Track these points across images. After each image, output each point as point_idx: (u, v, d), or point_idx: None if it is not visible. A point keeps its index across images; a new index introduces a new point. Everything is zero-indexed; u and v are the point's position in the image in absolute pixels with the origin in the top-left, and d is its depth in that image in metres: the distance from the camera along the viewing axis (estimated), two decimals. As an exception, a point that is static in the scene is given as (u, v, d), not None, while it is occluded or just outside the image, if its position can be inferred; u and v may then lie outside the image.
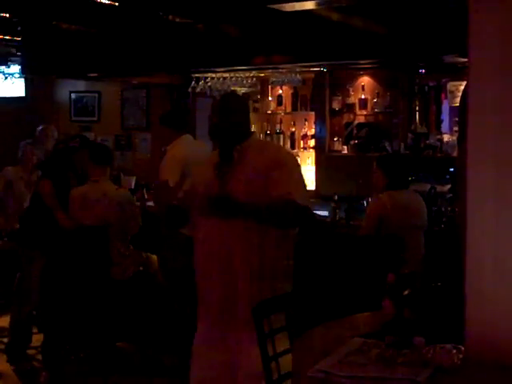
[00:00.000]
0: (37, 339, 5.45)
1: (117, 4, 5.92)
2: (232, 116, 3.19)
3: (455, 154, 6.10)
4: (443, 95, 6.87)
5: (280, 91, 7.88)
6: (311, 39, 6.10)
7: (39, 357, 5.40)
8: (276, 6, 5.06)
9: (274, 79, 7.41)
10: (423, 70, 6.82)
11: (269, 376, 2.74)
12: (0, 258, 6.22)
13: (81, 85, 9.33)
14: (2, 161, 7.45)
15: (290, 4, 4.98)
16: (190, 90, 7.52)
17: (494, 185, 2.45)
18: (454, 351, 2.45)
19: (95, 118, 9.36)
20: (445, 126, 6.89)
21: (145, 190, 6.75)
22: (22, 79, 9.73)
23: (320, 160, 7.57)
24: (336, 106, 7.44)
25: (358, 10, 5.57)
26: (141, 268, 5.40)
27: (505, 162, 2.43)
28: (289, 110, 7.87)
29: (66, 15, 6.65)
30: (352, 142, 7.28)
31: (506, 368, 2.39)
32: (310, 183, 7.69)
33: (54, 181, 5.26)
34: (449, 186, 6.05)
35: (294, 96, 7.78)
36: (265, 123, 7.99)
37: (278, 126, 7.88)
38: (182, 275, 3.41)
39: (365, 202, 5.86)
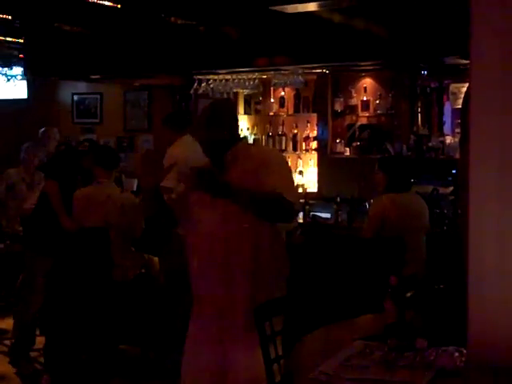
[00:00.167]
0: (39, 341, 5.45)
1: (119, 6, 5.93)
2: (219, 126, 3.20)
3: (457, 155, 6.09)
4: (445, 97, 6.86)
5: (282, 93, 7.88)
6: (313, 41, 6.10)
7: (41, 359, 5.39)
8: (278, 8, 5.06)
9: (276, 81, 7.40)
10: (425, 72, 6.82)
11: (271, 378, 2.74)
12: (3, 260, 6.23)
13: (83, 87, 9.34)
14: (3, 162, 7.46)
15: (293, 6, 4.99)
16: (192, 91, 7.52)
17: (496, 186, 2.44)
18: (457, 354, 2.44)
19: (97, 120, 9.37)
20: (447, 127, 6.89)
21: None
22: (25, 81, 9.76)
23: (322, 162, 7.57)
24: (338, 107, 7.43)
25: (360, 11, 5.58)
26: (143, 270, 5.41)
27: (507, 164, 2.42)
28: (291, 111, 7.87)
29: (69, 17, 6.67)
30: (354, 144, 7.27)
31: (509, 371, 2.38)
32: (312, 185, 7.69)
33: (60, 183, 5.26)
34: (451, 188, 6.04)
35: (296, 98, 7.78)
36: (267, 125, 7.99)
37: (280, 128, 7.89)
38: (184, 277, 3.41)
39: (367, 204, 5.86)
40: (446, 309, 2.79)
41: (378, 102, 7.20)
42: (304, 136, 7.76)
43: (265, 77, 7.43)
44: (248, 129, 8.15)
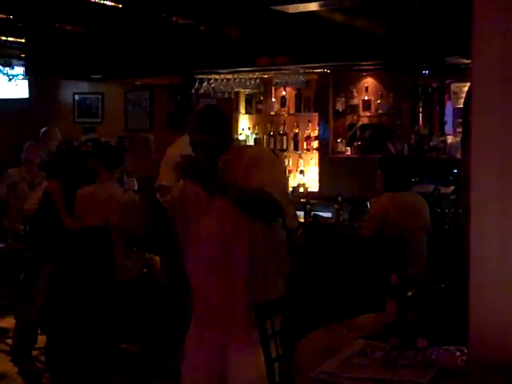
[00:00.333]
0: (40, 340, 5.45)
1: (120, 6, 5.93)
2: (211, 131, 3.20)
3: (459, 155, 6.09)
4: (447, 96, 6.86)
5: (283, 92, 7.87)
6: (315, 40, 6.10)
7: (42, 358, 5.40)
8: (280, 8, 5.06)
9: (277, 80, 7.39)
10: (427, 72, 6.82)
11: (271, 378, 2.74)
12: (4, 259, 6.24)
13: (84, 86, 9.35)
14: (5, 162, 7.47)
15: (294, 5, 4.99)
16: (193, 91, 7.52)
17: (497, 186, 2.44)
18: (458, 353, 2.44)
19: (99, 120, 9.38)
20: (448, 127, 6.88)
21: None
22: (26, 81, 9.77)
23: (323, 161, 7.57)
24: (339, 107, 7.43)
25: (362, 11, 5.57)
26: (144, 270, 5.41)
27: (508, 164, 2.42)
28: (292, 111, 7.87)
29: (70, 17, 6.67)
30: (355, 144, 7.27)
31: (510, 370, 2.38)
32: (314, 185, 7.70)
33: (62, 182, 5.26)
34: (452, 188, 6.04)
35: (298, 97, 7.78)
36: (268, 124, 7.99)
37: (281, 128, 7.88)
38: (185, 276, 3.41)
39: (368, 204, 5.86)
40: (447, 308, 2.79)
41: (379, 101, 7.20)
42: (305, 135, 7.76)
43: (266, 76, 7.43)
44: (249, 128, 8.15)
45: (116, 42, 7.27)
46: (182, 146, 5.14)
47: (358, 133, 7.29)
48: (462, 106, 6.08)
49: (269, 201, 3.03)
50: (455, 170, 6.23)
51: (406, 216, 4.89)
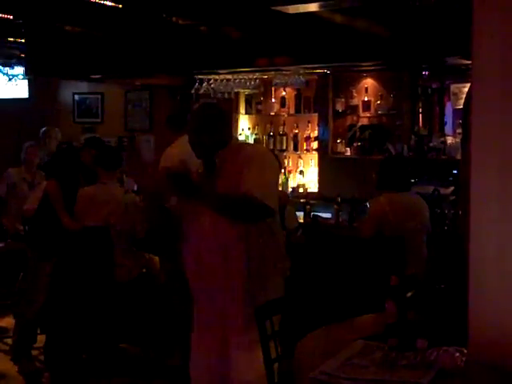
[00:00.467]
0: (39, 340, 5.45)
1: (120, 6, 5.93)
2: (209, 130, 3.21)
3: (458, 156, 6.09)
4: (446, 97, 6.86)
5: (283, 93, 7.88)
6: (315, 41, 6.10)
7: (42, 358, 5.40)
8: (280, 8, 5.06)
9: (277, 81, 7.40)
10: (426, 72, 6.82)
11: (271, 378, 2.74)
12: (3, 258, 6.24)
13: (84, 86, 9.35)
14: (5, 162, 7.47)
15: (294, 6, 4.98)
16: (193, 91, 7.52)
17: (497, 187, 2.44)
18: (457, 354, 2.44)
19: (98, 120, 9.38)
20: (448, 128, 6.88)
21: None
22: (26, 81, 9.77)
23: (323, 162, 7.57)
24: (339, 107, 7.43)
25: (362, 12, 5.57)
26: (144, 270, 5.41)
27: (508, 164, 2.42)
28: (292, 111, 7.87)
29: (70, 17, 6.67)
30: (355, 144, 7.27)
31: (509, 371, 2.39)
32: (313, 185, 7.70)
33: (61, 182, 5.26)
34: (452, 189, 6.04)
35: (297, 98, 7.78)
36: (268, 125, 7.99)
37: (281, 128, 7.89)
38: (184, 277, 3.42)
39: (368, 204, 5.86)
40: (446, 309, 2.79)
41: (379, 102, 7.20)
42: (305, 136, 7.76)
43: (266, 77, 7.43)
44: (249, 129, 8.16)
45: (116, 43, 7.26)
46: (181, 146, 5.14)
47: (358, 133, 7.29)
48: (461, 106, 6.08)
49: (249, 205, 3.03)
50: (455, 171, 6.23)
51: (404, 216, 4.89)
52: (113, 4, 5.87)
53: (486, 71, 2.45)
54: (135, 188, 7.51)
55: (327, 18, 5.63)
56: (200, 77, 7.36)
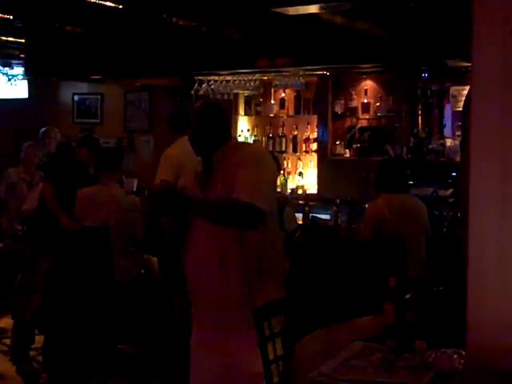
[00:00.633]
0: (37, 340, 5.45)
1: (120, 6, 5.93)
2: (209, 126, 3.21)
3: (458, 158, 6.10)
4: (446, 99, 6.87)
5: (283, 94, 7.88)
6: (314, 43, 6.10)
7: (40, 358, 5.40)
8: (280, 10, 5.06)
9: (277, 82, 7.40)
10: (426, 74, 6.82)
11: (269, 379, 2.74)
12: (2, 259, 6.23)
13: (83, 87, 9.35)
14: (4, 162, 7.47)
15: (294, 7, 4.98)
16: (192, 92, 7.52)
17: (497, 189, 2.44)
18: (455, 356, 2.44)
19: (98, 120, 9.38)
20: (447, 130, 6.89)
21: (147, 193, 6.75)
22: (25, 81, 9.77)
23: (322, 163, 7.57)
24: (338, 109, 7.44)
25: (362, 14, 5.57)
26: (142, 271, 5.41)
27: (508, 166, 2.42)
28: (291, 113, 7.87)
29: (70, 17, 6.67)
30: (354, 146, 7.28)
31: (507, 373, 2.39)
32: (312, 186, 7.70)
33: (56, 183, 5.26)
34: (451, 191, 6.05)
35: (297, 99, 7.79)
36: (267, 126, 8.00)
37: (280, 130, 7.89)
38: (183, 277, 3.42)
39: (367, 206, 5.86)
40: (445, 311, 2.79)
41: (378, 104, 7.21)
42: (304, 137, 7.77)
43: (265, 78, 7.44)
44: (248, 130, 8.16)
45: (116, 43, 7.26)
46: (181, 147, 5.15)
47: (357, 135, 7.30)
48: (461, 109, 6.08)
49: (237, 211, 3.03)
50: (454, 173, 6.24)
51: (402, 218, 4.88)
52: (113, 4, 5.87)
53: (485, 73, 2.45)
54: (134, 189, 7.52)
55: (327, 19, 5.64)
56: (200, 78, 7.36)
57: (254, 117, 8.14)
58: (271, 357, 2.80)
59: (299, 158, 7.84)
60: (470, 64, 2.53)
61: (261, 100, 7.97)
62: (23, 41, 7.98)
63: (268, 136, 7.93)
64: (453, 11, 5.15)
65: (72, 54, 7.67)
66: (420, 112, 7.00)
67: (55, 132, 7.47)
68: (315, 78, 7.46)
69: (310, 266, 5.26)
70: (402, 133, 7.06)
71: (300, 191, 7.65)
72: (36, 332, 5.49)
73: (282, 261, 3.37)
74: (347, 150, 7.34)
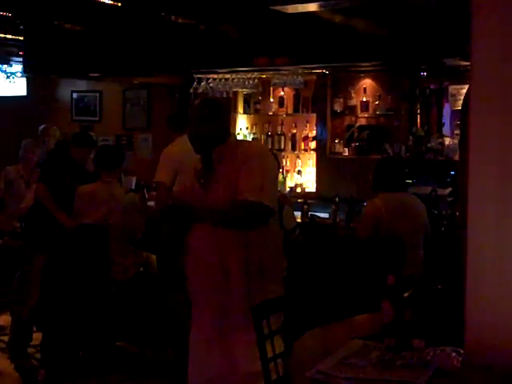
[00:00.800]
0: (36, 337, 5.45)
1: (119, 4, 5.93)
2: (209, 123, 3.21)
3: (456, 157, 6.10)
4: (444, 98, 6.87)
5: (282, 93, 7.88)
6: (313, 41, 6.10)
7: (38, 355, 5.40)
8: (279, 8, 5.06)
9: (275, 81, 7.40)
10: (425, 73, 6.82)
11: (267, 377, 2.74)
12: (1, 256, 6.23)
13: (82, 84, 9.34)
14: (2, 159, 7.46)
15: (293, 6, 4.98)
16: (191, 90, 7.52)
17: (495, 188, 2.44)
18: (454, 354, 2.45)
19: (96, 118, 9.37)
20: (446, 129, 6.90)
21: (145, 190, 6.76)
22: (24, 78, 9.76)
23: (321, 162, 7.57)
24: (337, 108, 7.44)
25: (361, 12, 5.57)
26: (141, 269, 5.41)
27: (507, 165, 2.43)
28: (290, 111, 7.87)
29: (69, 15, 6.66)
30: (353, 144, 7.28)
31: (506, 371, 2.39)
32: (311, 185, 7.70)
33: (49, 182, 5.26)
34: (449, 189, 6.05)
35: (296, 98, 7.79)
36: (266, 125, 8.00)
37: (279, 128, 7.89)
38: (183, 275, 3.43)
39: (365, 204, 5.86)
40: (443, 309, 2.79)
41: (377, 102, 7.21)
42: (303, 136, 7.77)
43: (264, 76, 7.44)
44: (247, 128, 8.15)
45: (115, 41, 7.26)
46: (181, 145, 5.15)
47: (356, 134, 7.30)
48: (459, 108, 6.08)
49: (246, 211, 3.04)
50: (452, 172, 6.24)
51: (400, 217, 4.88)
52: (112, 2, 5.87)
53: (484, 72, 2.45)
54: (133, 187, 7.52)
55: (326, 18, 5.64)
56: (198, 76, 7.36)
57: (252, 115, 8.14)
58: (270, 355, 2.80)
59: (298, 157, 7.84)
60: (468, 63, 2.53)
61: (260, 98, 7.96)
62: (22, 38, 7.97)
63: (267, 134, 7.93)
64: (451, 10, 5.15)
65: (71, 51, 7.66)
66: (419, 111, 7.01)
67: (54, 130, 7.46)
68: (314, 77, 7.45)
69: (309, 264, 5.26)
70: (401, 131, 7.07)
71: (299, 189, 7.66)
72: (34, 329, 5.49)
73: (282, 259, 3.38)
74: (346, 149, 7.35)
